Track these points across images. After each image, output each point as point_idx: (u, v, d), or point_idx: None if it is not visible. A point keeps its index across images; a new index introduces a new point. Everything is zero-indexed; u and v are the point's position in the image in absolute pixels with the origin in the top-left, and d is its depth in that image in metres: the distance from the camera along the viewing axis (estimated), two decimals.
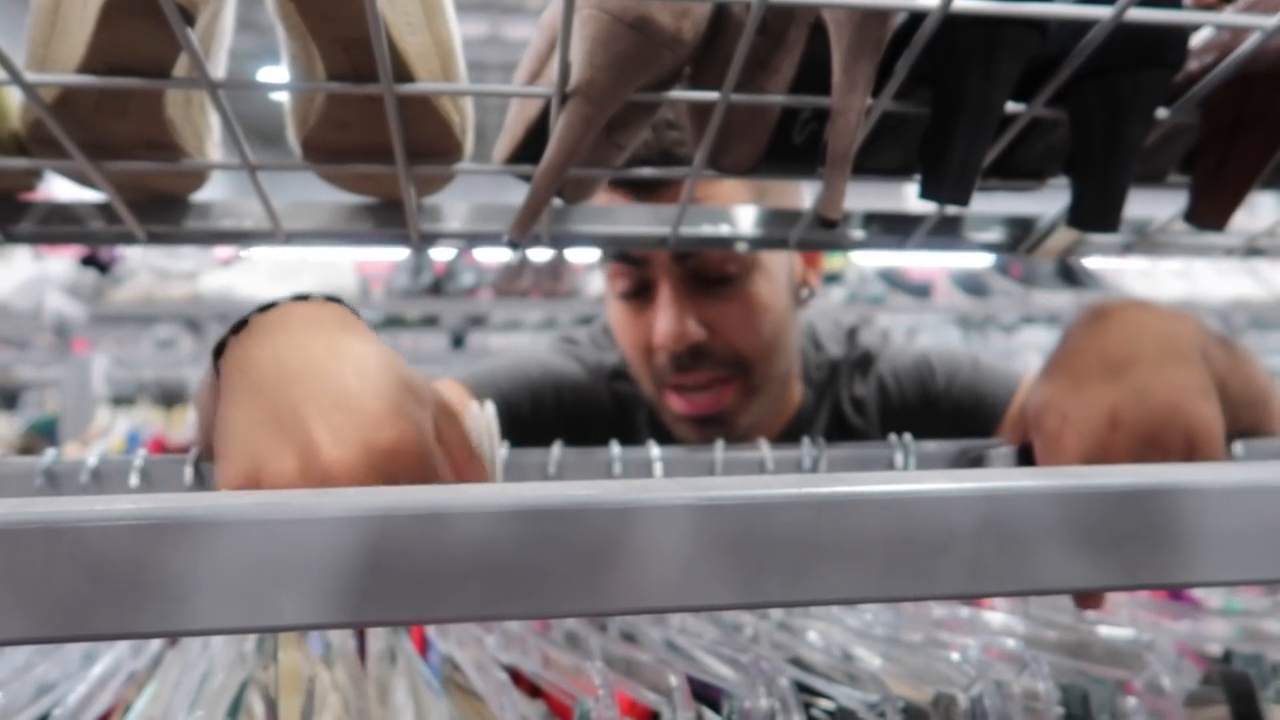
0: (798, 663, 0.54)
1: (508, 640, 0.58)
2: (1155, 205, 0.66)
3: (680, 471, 0.63)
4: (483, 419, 0.60)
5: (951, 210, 0.65)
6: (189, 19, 0.41)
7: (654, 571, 0.28)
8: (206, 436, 0.61)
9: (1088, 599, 0.55)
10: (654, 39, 0.43)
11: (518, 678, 0.55)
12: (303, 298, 0.48)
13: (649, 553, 0.28)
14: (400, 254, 3.22)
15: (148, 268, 2.83)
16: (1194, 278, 3.25)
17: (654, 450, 0.63)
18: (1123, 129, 0.48)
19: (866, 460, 0.64)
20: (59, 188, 0.63)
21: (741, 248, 0.66)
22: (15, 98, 0.51)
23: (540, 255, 3.11)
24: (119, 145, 0.50)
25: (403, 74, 0.46)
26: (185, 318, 3.14)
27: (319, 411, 0.39)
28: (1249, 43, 0.46)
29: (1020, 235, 0.69)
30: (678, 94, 0.48)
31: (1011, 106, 0.49)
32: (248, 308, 0.48)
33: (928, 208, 0.61)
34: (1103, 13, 0.43)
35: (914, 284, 3.36)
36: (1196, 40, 0.51)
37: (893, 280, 3.36)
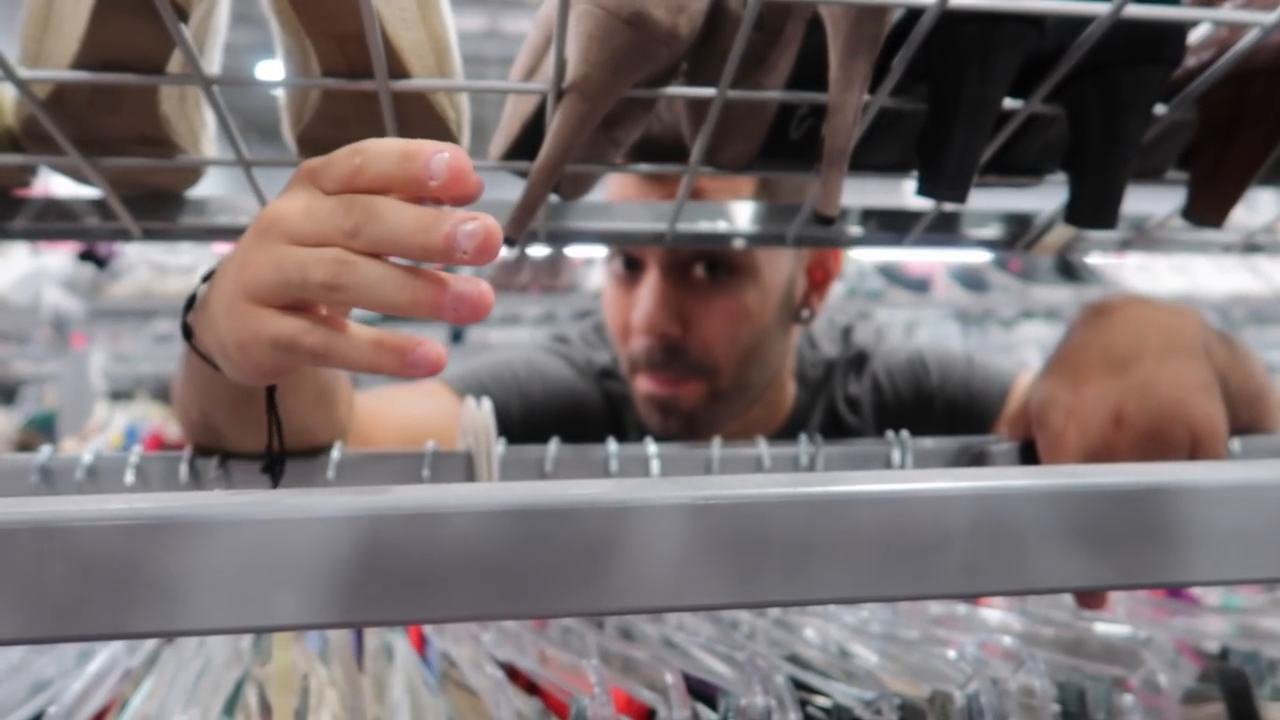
0: (794, 660, 0.54)
1: (504, 637, 0.58)
2: (1154, 201, 0.66)
3: (677, 468, 0.63)
4: (479, 416, 0.60)
5: (949, 207, 0.65)
6: (182, 14, 0.41)
7: (649, 571, 0.28)
8: (188, 424, 0.61)
9: (1090, 599, 0.55)
10: (650, 35, 0.43)
11: (515, 674, 0.55)
12: None
13: (644, 552, 0.28)
14: None
15: (145, 262, 2.83)
16: (1192, 273, 3.25)
17: (651, 447, 0.63)
18: (1120, 125, 0.48)
19: (863, 457, 0.64)
20: (56, 184, 0.63)
21: (739, 244, 0.66)
22: (9, 93, 0.51)
23: (539, 250, 3.11)
24: (113, 141, 0.50)
25: (397, 70, 0.45)
26: None
27: None
28: (1247, 39, 0.46)
29: (1018, 231, 0.69)
30: (674, 90, 0.48)
31: (1009, 103, 0.49)
32: None
33: (926, 204, 0.61)
34: (1100, 8, 0.43)
35: (913, 279, 3.36)
36: (1194, 36, 0.51)
37: (891, 275, 3.36)
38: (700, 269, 0.84)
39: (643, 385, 0.90)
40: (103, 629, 0.27)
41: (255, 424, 0.54)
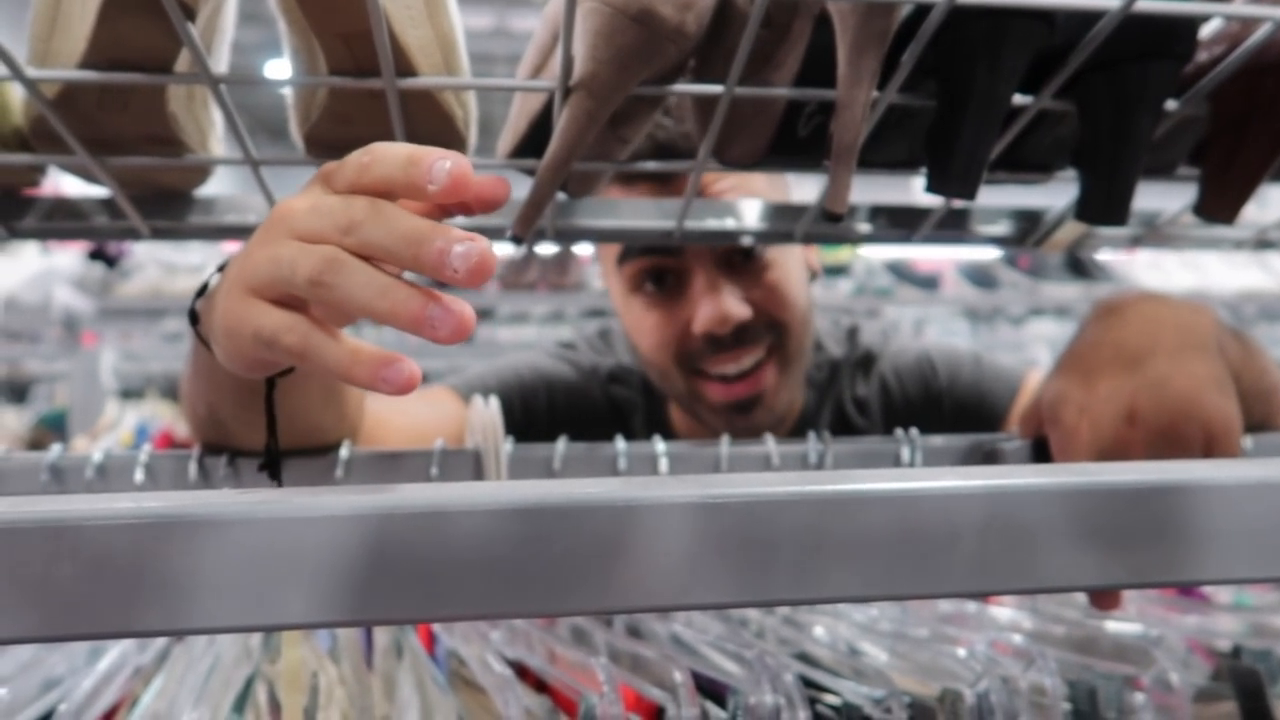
0: (804, 658, 0.54)
1: (513, 635, 0.58)
2: (1165, 198, 0.66)
3: (685, 466, 0.63)
4: (487, 414, 0.60)
5: (958, 203, 0.65)
6: (190, 14, 0.41)
7: (657, 569, 0.28)
8: (196, 419, 0.61)
9: (1104, 599, 0.54)
10: (657, 32, 0.43)
11: (524, 672, 0.55)
12: None
13: (652, 550, 0.28)
14: None
15: (155, 261, 2.84)
16: (1203, 269, 3.23)
17: (659, 445, 0.63)
18: (1131, 121, 0.48)
19: (872, 455, 0.64)
20: (66, 183, 0.63)
21: (746, 241, 0.66)
22: (18, 93, 0.51)
23: (547, 248, 3.11)
24: (121, 140, 0.50)
25: (405, 68, 0.45)
26: None
27: None
28: (1259, 34, 0.45)
29: (1028, 228, 0.69)
30: (682, 87, 0.48)
31: (1019, 99, 0.49)
32: None
33: (935, 201, 0.61)
34: (1111, 3, 0.42)
35: (922, 276, 3.35)
36: (1206, 31, 0.51)
37: (900, 273, 3.35)
38: (738, 255, 0.84)
39: (715, 394, 0.88)
40: (112, 627, 0.27)
41: (261, 419, 0.54)
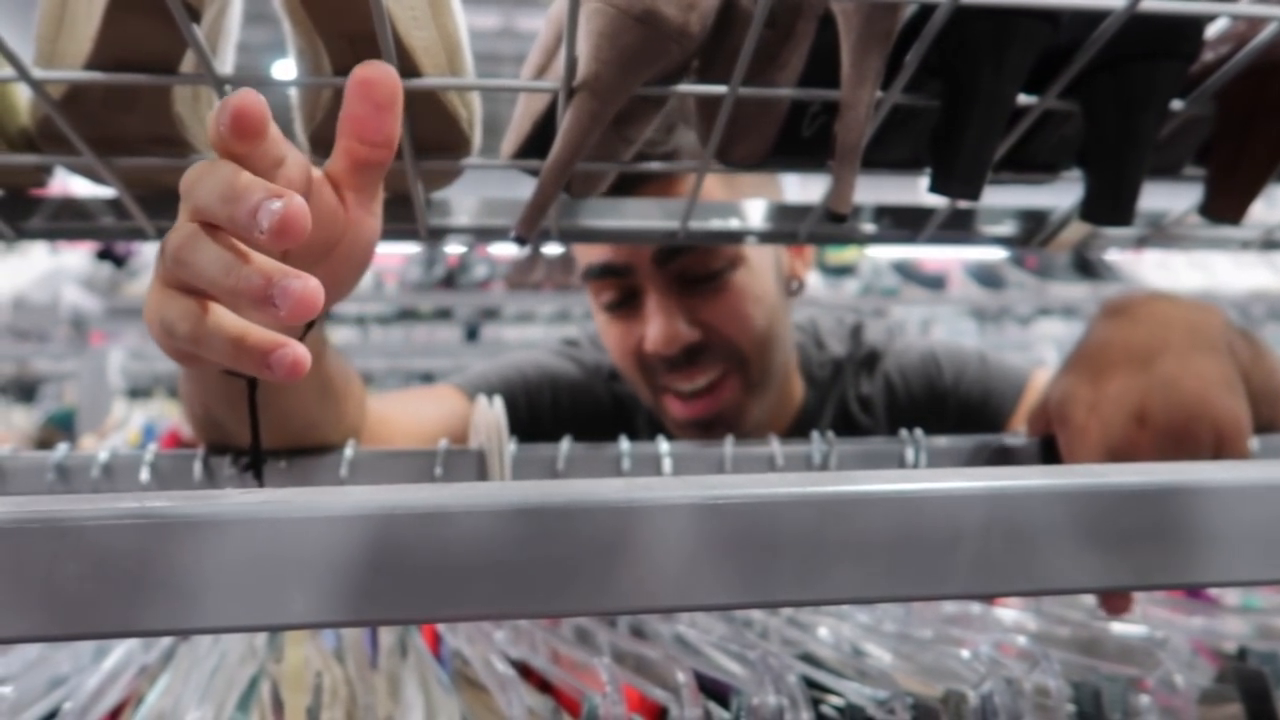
0: (808, 659, 0.54)
1: (517, 636, 0.58)
2: (1171, 197, 0.65)
3: (689, 467, 0.63)
4: (491, 414, 0.60)
5: (963, 203, 0.65)
6: (195, 15, 0.41)
7: (660, 570, 0.28)
8: (195, 420, 0.61)
9: (1114, 602, 0.54)
10: (661, 33, 0.43)
11: (527, 672, 0.55)
12: None
13: (655, 551, 0.28)
14: (413, 247, 3.23)
15: None
16: (1211, 269, 3.22)
17: (663, 446, 0.63)
18: (1136, 121, 0.48)
19: (876, 456, 0.64)
20: (73, 183, 0.63)
21: (751, 241, 0.66)
22: (24, 94, 0.52)
23: (552, 249, 3.11)
24: (127, 141, 0.50)
25: (409, 69, 0.45)
26: None
27: None
28: (1265, 33, 0.45)
29: (1033, 228, 0.69)
30: (686, 88, 0.48)
31: (1023, 99, 0.49)
32: None
33: (940, 201, 0.60)
34: (1116, 3, 0.42)
35: (928, 276, 3.34)
36: (1212, 31, 0.51)
37: (907, 273, 3.34)
38: (694, 276, 0.84)
39: (676, 410, 0.88)
40: (117, 627, 0.27)
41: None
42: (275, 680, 0.51)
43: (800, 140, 0.54)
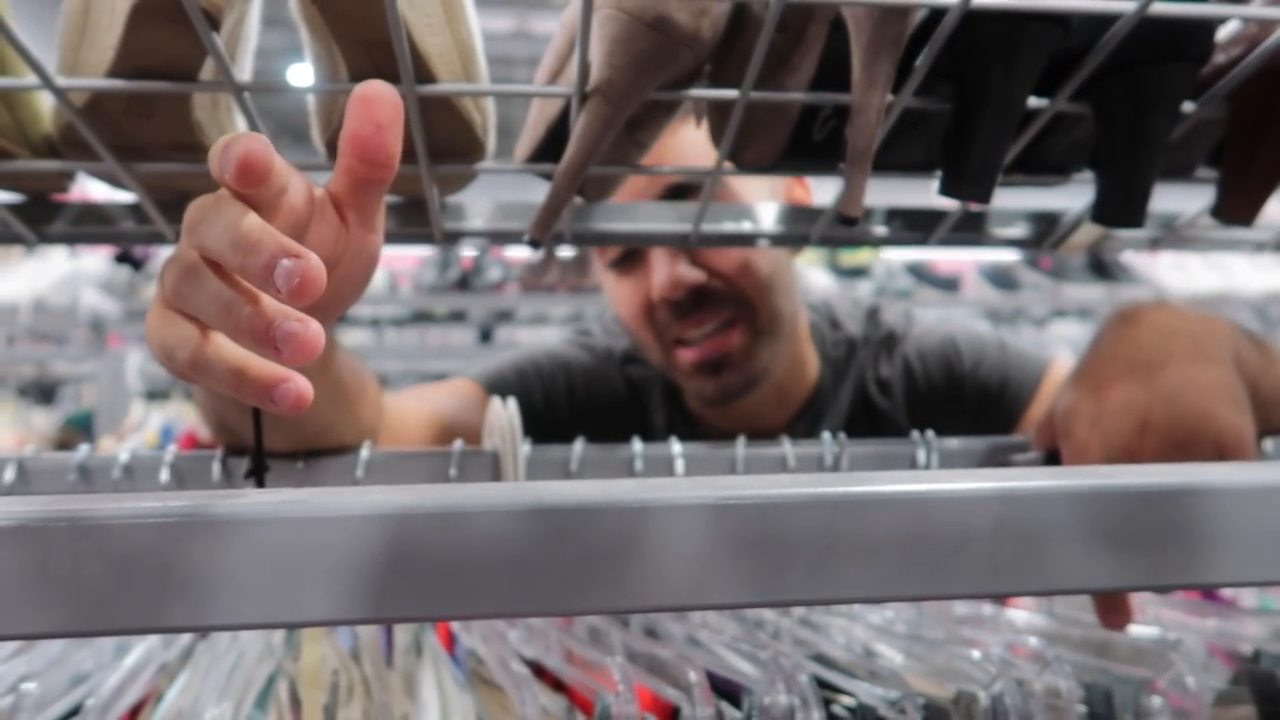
0: (819, 659, 0.54)
1: (531, 635, 0.59)
2: (1184, 199, 0.65)
3: (701, 468, 0.63)
4: (504, 416, 0.61)
5: (976, 206, 0.65)
6: (214, 23, 0.42)
7: (673, 570, 0.29)
8: (210, 424, 0.62)
9: (1113, 616, 0.54)
10: (673, 38, 0.43)
11: (541, 672, 0.55)
12: None
13: (668, 551, 0.29)
14: (427, 249, 3.24)
15: None
16: (1228, 270, 3.20)
17: (675, 447, 0.63)
18: (1148, 123, 0.48)
19: (888, 458, 0.64)
20: (93, 188, 0.64)
21: (763, 244, 0.66)
22: (47, 102, 0.52)
23: (566, 251, 3.12)
24: (148, 147, 0.51)
25: (424, 75, 0.46)
26: None
27: None
28: (1276, 35, 0.45)
29: (1045, 230, 0.69)
30: (697, 92, 0.48)
31: (1035, 101, 0.49)
32: None
33: (952, 203, 0.61)
34: (1126, 6, 0.42)
35: (942, 278, 3.33)
36: (1223, 33, 0.51)
37: (921, 274, 3.34)
38: None
39: (685, 356, 0.89)
40: (139, 623, 0.27)
41: (266, 424, 0.55)
42: (293, 678, 0.52)
43: (812, 143, 0.54)
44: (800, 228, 0.65)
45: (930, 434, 0.64)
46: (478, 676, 0.56)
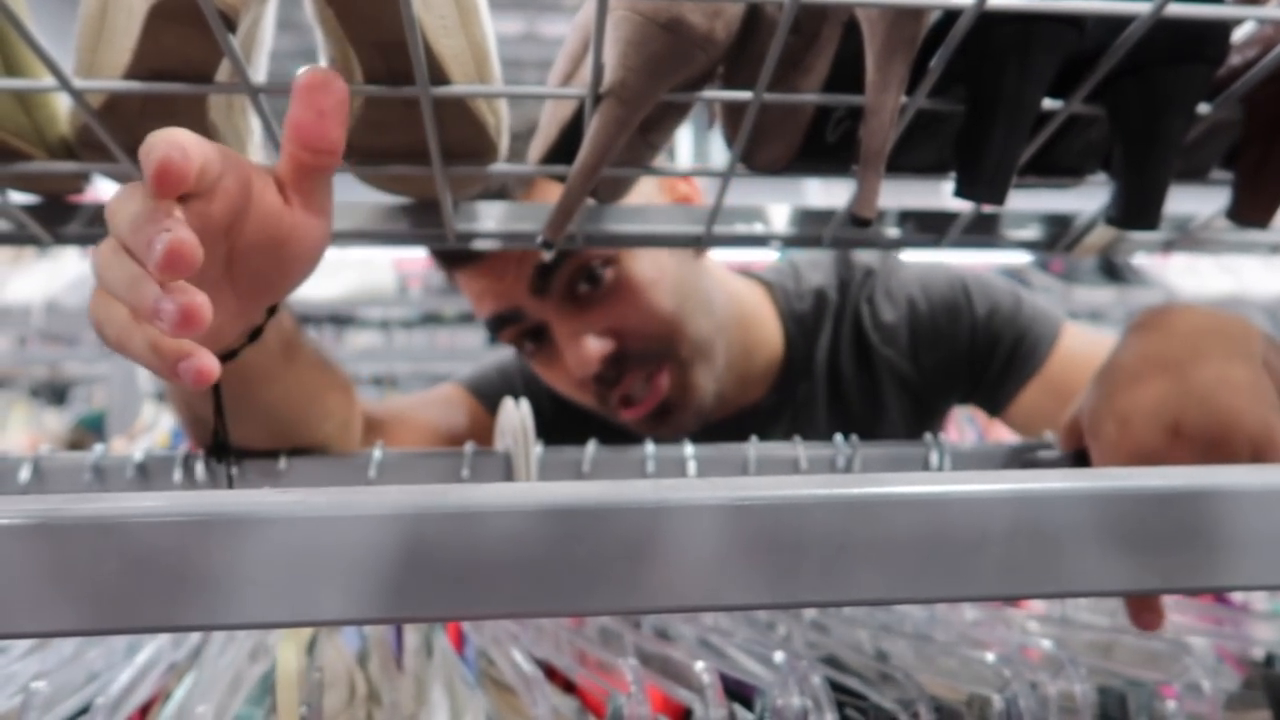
0: (831, 661, 0.54)
1: (542, 636, 0.59)
2: (1198, 202, 0.65)
3: (714, 469, 0.63)
4: (516, 417, 0.61)
5: (988, 208, 0.65)
6: (231, 25, 0.42)
7: (685, 570, 0.29)
8: (184, 422, 0.63)
9: (1146, 618, 0.53)
10: (687, 40, 0.43)
11: (552, 673, 0.55)
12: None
13: (680, 552, 0.29)
14: None
15: None
16: (1240, 273, 3.18)
17: (688, 448, 0.63)
18: (1162, 125, 0.48)
19: (901, 459, 0.64)
20: (108, 190, 0.65)
21: (774, 245, 0.66)
22: (64, 103, 0.53)
23: None
24: None
25: (438, 77, 0.46)
26: None
27: None
28: None
29: (1058, 233, 0.68)
30: (711, 94, 0.48)
31: (1049, 103, 0.49)
32: (292, 306, 0.49)
33: (964, 205, 0.60)
34: (1141, 7, 0.42)
35: None
36: (1239, 35, 0.51)
37: None
38: (582, 284, 0.83)
39: (628, 417, 0.89)
40: (156, 622, 0.27)
41: (237, 417, 0.56)
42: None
43: (825, 145, 0.54)
44: (813, 229, 0.65)
45: (943, 436, 0.64)
46: (488, 678, 0.56)
